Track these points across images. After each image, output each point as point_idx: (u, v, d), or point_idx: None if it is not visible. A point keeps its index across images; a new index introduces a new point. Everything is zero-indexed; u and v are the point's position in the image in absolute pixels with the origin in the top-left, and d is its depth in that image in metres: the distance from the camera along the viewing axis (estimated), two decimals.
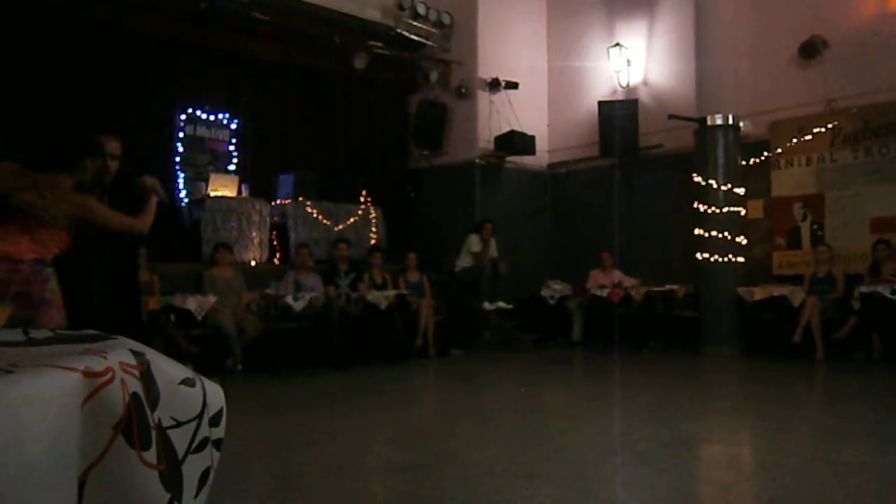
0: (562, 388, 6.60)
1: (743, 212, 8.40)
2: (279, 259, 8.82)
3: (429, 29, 10.06)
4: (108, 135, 3.59)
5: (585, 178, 10.39)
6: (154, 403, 1.39)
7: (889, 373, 6.65)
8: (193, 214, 8.26)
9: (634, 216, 9.59)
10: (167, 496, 1.36)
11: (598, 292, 9.08)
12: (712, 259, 8.25)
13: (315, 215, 9.00)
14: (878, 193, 8.00)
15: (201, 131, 8.90)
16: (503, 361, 8.28)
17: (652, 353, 8.57)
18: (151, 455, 1.34)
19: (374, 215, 9.65)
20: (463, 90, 10.16)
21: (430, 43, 10.18)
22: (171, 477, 1.39)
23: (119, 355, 1.35)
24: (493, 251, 9.22)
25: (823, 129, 8.35)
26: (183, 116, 8.75)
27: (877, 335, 7.17)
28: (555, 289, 9.64)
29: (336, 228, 9.11)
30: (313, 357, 7.48)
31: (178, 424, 1.46)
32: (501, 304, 9.15)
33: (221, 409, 1.60)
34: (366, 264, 8.54)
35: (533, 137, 10.16)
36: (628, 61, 9.88)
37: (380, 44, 9.96)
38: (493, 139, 10.07)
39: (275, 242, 8.82)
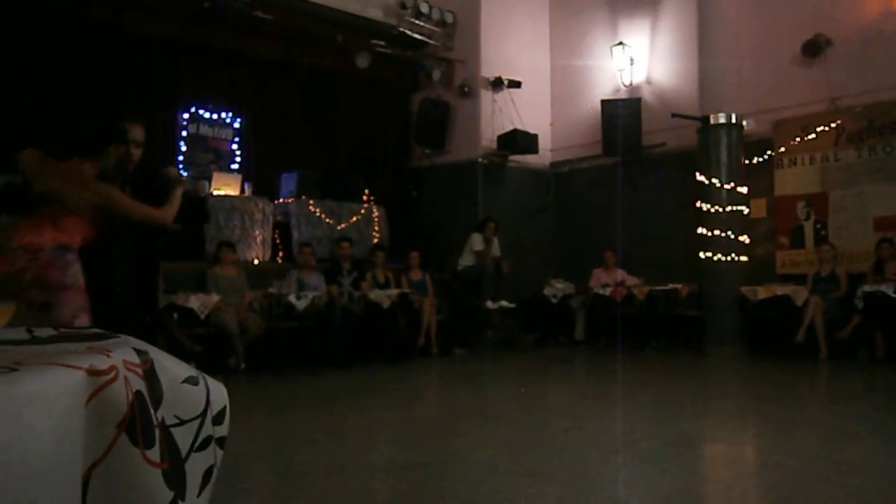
0: (564, 387, 6.60)
1: (746, 211, 8.39)
2: (282, 258, 8.83)
3: (431, 28, 10.06)
4: (131, 121, 3.48)
5: (588, 177, 10.39)
6: (157, 402, 1.39)
7: (892, 372, 6.64)
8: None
9: (637, 215, 9.57)
10: (170, 494, 1.36)
11: (601, 291, 9.08)
12: (715, 258, 8.24)
13: (318, 214, 9.01)
14: (882, 192, 7.98)
15: (204, 130, 8.91)
16: (505, 360, 8.28)
17: (655, 352, 8.57)
18: (155, 453, 1.34)
19: (376, 214, 9.66)
20: (466, 89, 10.16)
21: (432, 42, 10.18)
22: (175, 475, 1.39)
23: (123, 354, 1.36)
24: (496, 250, 9.22)
25: (827, 128, 8.33)
26: (186, 115, 8.75)
27: (880, 334, 7.16)
28: (557, 288, 9.63)
29: (339, 227, 9.12)
30: (316, 356, 7.48)
31: (182, 423, 1.46)
32: (504, 303, 9.15)
33: (225, 407, 1.60)
34: (368, 263, 8.55)
35: (536, 136, 10.15)
36: (631, 60, 9.87)
37: (382, 43, 9.96)
38: (495, 138, 10.06)
39: (277, 241, 8.83)
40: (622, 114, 9.55)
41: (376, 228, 9.60)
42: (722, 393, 6.12)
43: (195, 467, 1.48)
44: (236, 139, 9.19)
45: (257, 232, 8.41)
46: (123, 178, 3.38)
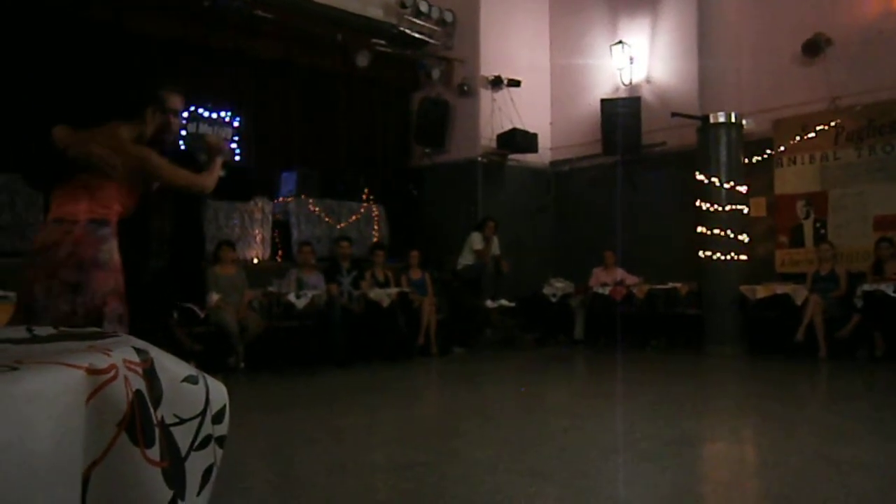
0: (564, 386, 6.60)
1: (746, 210, 8.39)
2: (281, 257, 8.83)
3: (431, 27, 10.06)
4: (170, 89, 3.20)
5: (588, 176, 10.39)
6: (157, 401, 1.40)
7: (892, 371, 6.64)
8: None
9: (637, 214, 9.57)
10: (170, 493, 1.36)
11: (601, 290, 9.08)
12: (715, 257, 8.24)
13: (317, 213, 9.01)
14: (882, 191, 7.98)
15: (203, 129, 8.91)
16: (505, 360, 8.28)
17: (654, 351, 8.57)
18: (155, 452, 1.34)
19: (376, 213, 9.66)
20: (465, 88, 10.15)
21: (432, 41, 10.18)
22: (174, 474, 1.39)
23: (123, 353, 1.36)
24: (496, 249, 9.22)
25: (827, 127, 8.34)
26: (185, 114, 8.74)
27: (879, 333, 7.15)
28: (557, 287, 9.64)
29: (338, 226, 9.12)
30: (315, 355, 7.48)
31: (181, 422, 1.46)
32: (503, 302, 9.15)
33: (224, 406, 1.61)
34: (368, 262, 8.55)
35: (535, 135, 10.15)
36: (631, 59, 9.86)
37: (382, 42, 9.96)
38: (495, 137, 10.06)
39: (277, 240, 8.83)
40: (622, 113, 9.55)
41: (376, 227, 9.61)
42: (722, 392, 6.12)
43: (195, 466, 1.48)
44: (236, 138, 9.19)
45: (257, 231, 8.41)
46: (162, 149, 3.12)
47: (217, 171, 3.27)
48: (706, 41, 8.49)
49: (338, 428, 4.47)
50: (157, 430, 1.36)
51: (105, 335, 1.56)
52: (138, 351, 1.40)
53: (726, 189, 8.24)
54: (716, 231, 8.22)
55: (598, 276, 9.39)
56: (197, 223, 3.60)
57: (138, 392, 1.33)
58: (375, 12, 9.75)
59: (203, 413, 1.52)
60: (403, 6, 9.76)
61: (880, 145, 8.03)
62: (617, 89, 10.02)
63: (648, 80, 9.87)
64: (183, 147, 3.22)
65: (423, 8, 9.83)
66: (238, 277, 7.54)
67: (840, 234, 8.21)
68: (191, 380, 1.51)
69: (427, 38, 10.12)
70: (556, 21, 10.86)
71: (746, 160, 8.48)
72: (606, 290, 9.00)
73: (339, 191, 9.45)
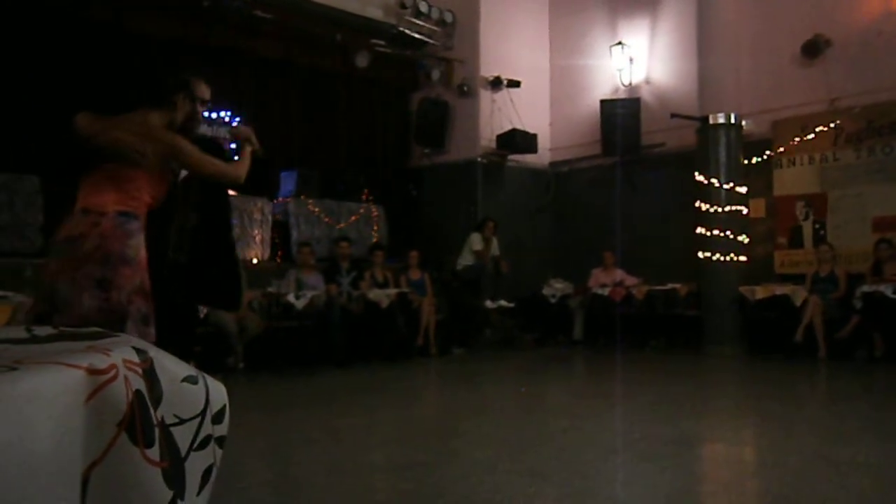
0: (563, 386, 6.60)
1: (745, 211, 8.39)
2: (281, 257, 8.83)
3: (431, 27, 10.06)
4: (197, 78, 3.11)
5: (587, 177, 10.39)
6: (157, 401, 1.40)
7: (891, 372, 6.65)
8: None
9: (636, 215, 9.58)
10: (170, 493, 1.36)
11: (600, 291, 9.08)
12: (714, 258, 8.24)
13: (317, 213, 9.01)
14: (881, 193, 7.99)
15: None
16: (504, 360, 8.28)
17: (653, 351, 8.57)
18: (154, 452, 1.34)
19: (375, 213, 9.66)
20: (465, 88, 10.15)
21: (432, 41, 10.17)
22: (174, 474, 1.39)
23: (122, 353, 1.36)
24: (495, 249, 9.22)
25: (826, 128, 8.34)
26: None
27: (879, 334, 7.16)
28: (556, 287, 9.64)
29: (338, 226, 9.12)
30: (315, 355, 7.48)
31: (181, 422, 1.46)
32: (503, 303, 9.15)
33: (224, 406, 1.61)
34: (367, 262, 8.54)
35: (535, 136, 10.16)
36: (630, 60, 9.87)
37: (382, 42, 9.96)
38: (494, 137, 10.06)
39: (276, 240, 8.82)
40: (621, 114, 9.55)
41: (375, 228, 9.60)
42: (721, 392, 6.13)
43: (194, 466, 1.48)
44: None
45: (256, 231, 8.40)
46: (189, 139, 2.99)
47: (247, 162, 3.11)
48: (705, 42, 8.50)
49: (337, 428, 4.47)
50: (156, 431, 1.36)
51: (105, 335, 1.55)
52: (138, 351, 1.40)
53: (725, 190, 8.25)
54: (715, 232, 8.22)
55: (597, 276, 9.39)
56: (225, 215, 3.38)
57: (138, 392, 1.33)
58: (375, 12, 9.74)
59: (203, 413, 1.52)
60: (403, 6, 9.76)
61: (879, 146, 8.04)
62: (616, 90, 10.03)
63: (648, 81, 9.87)
64: (211, 136, 3.05)
65: (423, 8, 9.83)
66: None
67: (839, 235, 8.21)
68: (190, 380, 1.51)
69: (427, 39, 10.11)
70: (556, 22, 10.86)
71: (746, 161, 8.49)
72: (606, 291, 9.00)
73: (339, 191, 9.44)
